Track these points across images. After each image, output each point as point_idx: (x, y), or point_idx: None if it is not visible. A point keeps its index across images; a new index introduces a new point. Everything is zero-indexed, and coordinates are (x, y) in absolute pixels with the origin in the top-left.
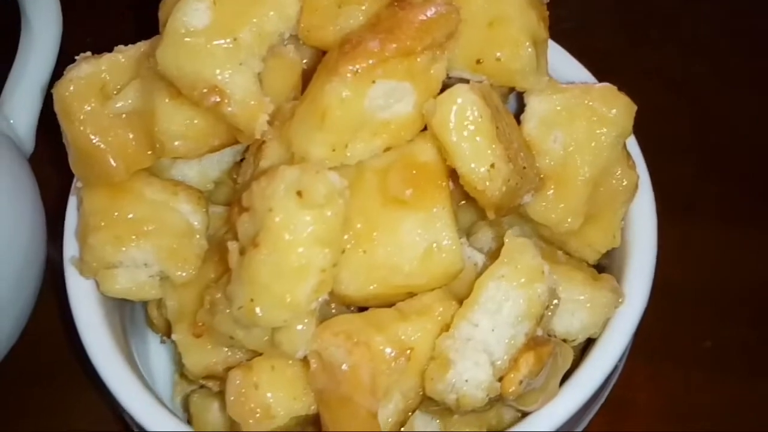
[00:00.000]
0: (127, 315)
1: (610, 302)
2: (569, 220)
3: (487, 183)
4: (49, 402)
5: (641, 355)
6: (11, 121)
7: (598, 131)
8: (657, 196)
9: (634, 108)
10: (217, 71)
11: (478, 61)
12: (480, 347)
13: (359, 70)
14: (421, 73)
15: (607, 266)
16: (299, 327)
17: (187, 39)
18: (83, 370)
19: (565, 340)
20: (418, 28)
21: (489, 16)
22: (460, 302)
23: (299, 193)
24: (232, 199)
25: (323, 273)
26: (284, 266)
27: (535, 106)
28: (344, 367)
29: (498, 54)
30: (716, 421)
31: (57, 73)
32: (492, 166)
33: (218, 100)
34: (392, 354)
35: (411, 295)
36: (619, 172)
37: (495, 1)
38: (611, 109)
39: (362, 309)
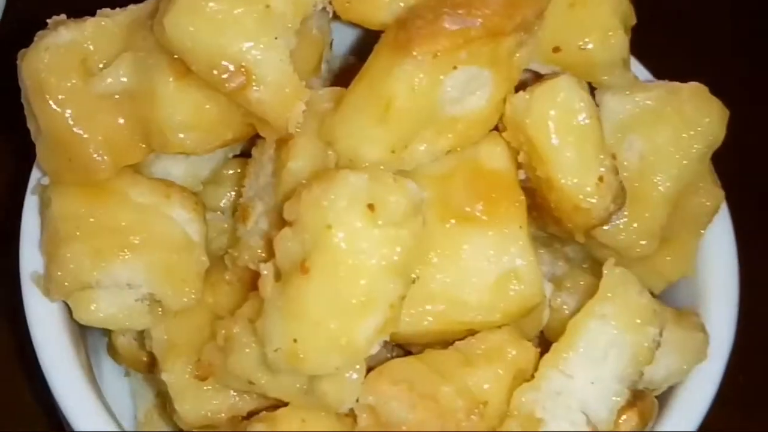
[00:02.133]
0: (87, 340)
1: (701, 345)
2: (643, 243)
3: (594, 200)
4: None
5: None
6: None
7: (686, 140)
8: None
9: (727, 114)
10: (246, 46)
11: (555, 49)
12: (575, 404)
13: (439, 53)
14: (504, 60)
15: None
16: (351, 375)
17: (209, 4)
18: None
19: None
20: (505, 3)
21: None
22: (534, 343)
23: (370, 207)
24: (239, 204)
25: (392, 309)
26: (343, 299)
27: (612, 106)
28: (406, 427)
29: (583, 41)
30: None
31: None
32: (601, 179)
33: (244, 81)
34: (464, 409)
35: (471, 332)
36: (703, 189)
37: None
38: (703, 115)
39: (399, 345)
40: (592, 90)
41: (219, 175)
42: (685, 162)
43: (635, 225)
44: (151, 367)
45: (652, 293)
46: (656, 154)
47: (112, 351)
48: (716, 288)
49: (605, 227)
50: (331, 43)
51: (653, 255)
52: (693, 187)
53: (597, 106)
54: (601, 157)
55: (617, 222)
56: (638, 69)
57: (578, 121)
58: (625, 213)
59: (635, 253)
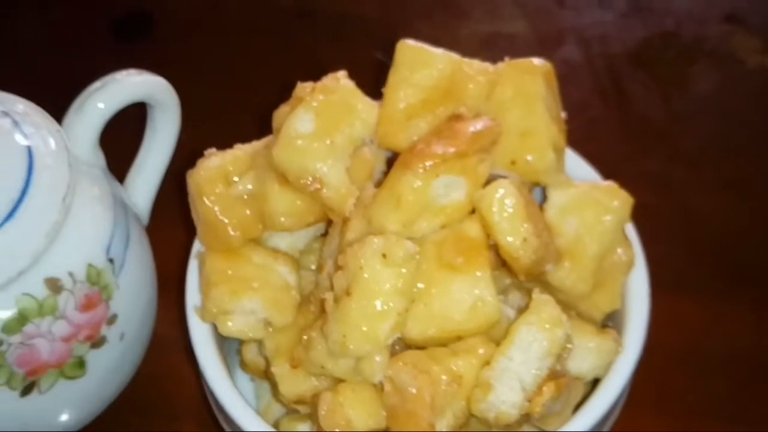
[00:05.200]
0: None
1: (613, 350)
2: (580, 286)
3: (521, 252)
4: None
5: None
6: (133, 201)
7: (603, 218)
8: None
9: (632, 201)
10: (319, 165)
11: (512, 162)
12: (514, 377)
13: (428, 167)
14: (472, 170)
15: (608, 324)
16: (378, 358)
17: (298, 141)
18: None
19: (576, 378)
20: (470, 138)
21: (521, 129)
22: (498, 344)
23: (384, 255)
24: (318, 262)
25: (399, 316)
26: (370, 311)
27: (554, 198)
28: (411, 389)
29: (528, 157)
30: None
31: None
32: (524, 240)
33: (318, 186)
34: (446, 380)
35: (460, 338)
36: (620, 249)
37: (526, 117)
38: (613, 201)
39: (420, 348)
40: (543, 188)
41: (310, 247)
42: (603, 232)
43: (575, 275)
44: (266, 372)
45: (594, 321)
46: (584, 227)
47: (243, 364)
48: (633, 314)
49: (555, 275)
50: (387, 160)
51: (592, 294)
52: (613, 248)
53: (546, 197)
54: (525, 225)
55: (561, 274)
56: (590, 172)
57: (509, 205)
58: (568, 266)
59: (577, 293)
